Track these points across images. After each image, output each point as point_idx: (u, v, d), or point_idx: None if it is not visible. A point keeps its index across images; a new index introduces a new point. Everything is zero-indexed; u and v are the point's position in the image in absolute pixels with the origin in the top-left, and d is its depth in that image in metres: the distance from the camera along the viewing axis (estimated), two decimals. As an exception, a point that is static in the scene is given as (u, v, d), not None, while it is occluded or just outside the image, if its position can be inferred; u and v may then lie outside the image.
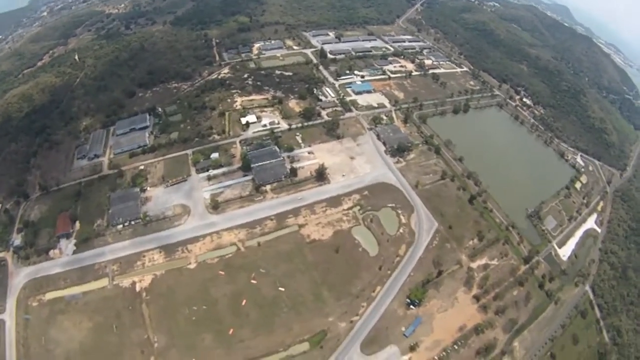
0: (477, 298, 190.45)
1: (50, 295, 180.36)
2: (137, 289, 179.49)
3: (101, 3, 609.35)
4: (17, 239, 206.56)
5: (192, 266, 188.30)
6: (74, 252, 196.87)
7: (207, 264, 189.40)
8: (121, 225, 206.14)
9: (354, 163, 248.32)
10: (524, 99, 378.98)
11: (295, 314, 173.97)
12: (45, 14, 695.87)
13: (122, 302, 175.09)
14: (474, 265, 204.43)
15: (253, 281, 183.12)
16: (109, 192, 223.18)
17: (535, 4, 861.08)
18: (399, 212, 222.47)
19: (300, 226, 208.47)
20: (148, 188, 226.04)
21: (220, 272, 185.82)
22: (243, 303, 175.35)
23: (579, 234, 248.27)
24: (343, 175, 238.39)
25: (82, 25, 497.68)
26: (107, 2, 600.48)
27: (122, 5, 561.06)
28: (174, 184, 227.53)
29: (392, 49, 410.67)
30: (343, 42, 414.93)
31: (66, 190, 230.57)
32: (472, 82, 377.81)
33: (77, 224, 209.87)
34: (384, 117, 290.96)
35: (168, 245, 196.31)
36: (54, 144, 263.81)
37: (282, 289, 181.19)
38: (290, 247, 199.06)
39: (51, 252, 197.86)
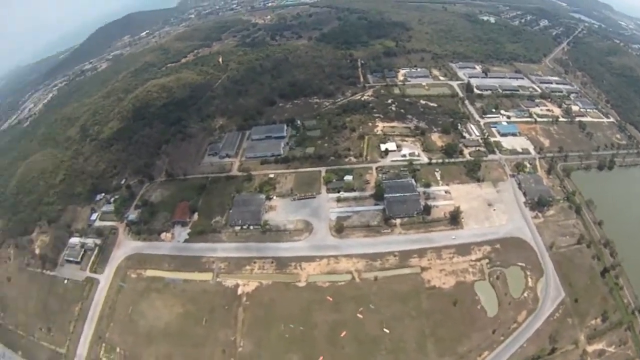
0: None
1: (151, 273, 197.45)
2: (239, 292, 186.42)
3: (247, 13, 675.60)
4: (132, 214, 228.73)
5: (301, 284, 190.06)
6: (186, 241, 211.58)
7: (316, 286, 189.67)
8: (239, 227, 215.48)
9: (490, 211, 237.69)
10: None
11: (392, 359, 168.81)
12: (192, 16, 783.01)
13: (219, 300, 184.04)
14: (589, 348, 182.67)
15: (359, 315, 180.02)
16: (233, 193, 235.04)
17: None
18: (528, 273, 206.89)
19: (423, 269, 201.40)
20: (274, 197, 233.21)
21: (329, 297, 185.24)
22: (342, 334, 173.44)
23: None
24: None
25: (228, 30, 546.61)
26: (253, 12, 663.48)
27: (269, 17, 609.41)
28: (302, 199, 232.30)
29: (539, 90, 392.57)
30: (489, 77, 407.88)
31: (192, 181, 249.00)
32: (618, 136, 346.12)
33: (196, 216, 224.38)
34: (527, 165, 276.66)
35: (282, 258, 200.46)
36: (187, 136, 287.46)
37: (387, 331, 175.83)
38: (407, 289, 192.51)
39: (163, 235, 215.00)
